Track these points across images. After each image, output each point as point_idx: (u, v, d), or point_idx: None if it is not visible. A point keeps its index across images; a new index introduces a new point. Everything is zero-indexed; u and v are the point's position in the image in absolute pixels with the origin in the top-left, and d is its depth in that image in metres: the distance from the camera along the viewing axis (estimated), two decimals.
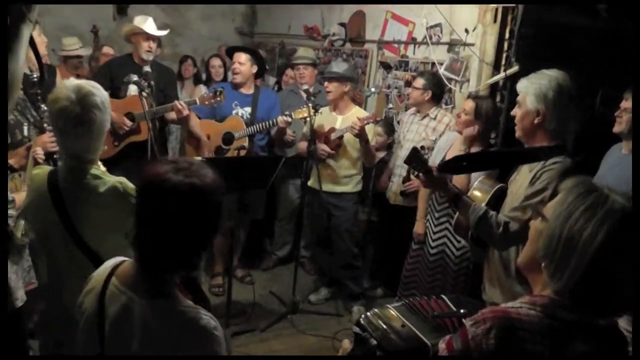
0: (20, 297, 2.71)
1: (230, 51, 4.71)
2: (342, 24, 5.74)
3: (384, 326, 1.73)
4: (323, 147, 4.19)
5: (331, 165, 4.26)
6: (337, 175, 4.26)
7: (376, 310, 1.82)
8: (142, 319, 1.37)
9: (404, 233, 3.90)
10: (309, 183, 4.37)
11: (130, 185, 1.88)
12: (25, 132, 3.18)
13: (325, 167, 4.23)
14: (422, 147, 2.47)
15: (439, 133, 3.97)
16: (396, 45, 5.11)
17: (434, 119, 4.08)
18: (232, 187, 3.84)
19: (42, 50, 3.81)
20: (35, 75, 3.58)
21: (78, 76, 4.90)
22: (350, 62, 5.27)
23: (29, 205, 2.06)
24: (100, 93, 1.90)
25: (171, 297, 1.40)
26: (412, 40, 4.91)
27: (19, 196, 2.61)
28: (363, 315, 1.79)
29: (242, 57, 4.52)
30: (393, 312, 1.81)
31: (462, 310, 1.78)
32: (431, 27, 4.66)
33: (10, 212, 2.46)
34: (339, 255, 4.36)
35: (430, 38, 4.65)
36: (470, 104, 3.39)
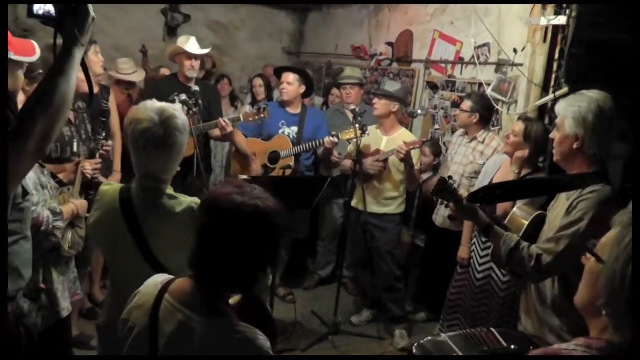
0: (66, 307, 2.80)
1: (279, 71, 4.76)
2: (389, 43, 5.73)
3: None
4: (370, 161, 4.14)
5: (374, 186, 4.22)
6: (380, 196, 4.22)
7: (429, 338, 1.78)
8: (200, 337, 1.38)
9: (450, 257, 3.80)
10: (352, 203, 4.33)
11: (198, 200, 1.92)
12: (75, 149, 3.28)
13: (369, 187, 4.19)
14: (450, 177, 2.41)
15: (487, 157, 3.87)
16: (443, 65, 5.07)
17: (482, 142, 3.99)
18: None
19: (98, 70, 3.95)
20: (104, 103, 3.73)
21: (129, 96, 5.04)
22: (402, 84, 5.24)
23: (98, 220, 2.07)
24: (181, 116, 1.94)
25: (227, 316, 1.42)
26: (460, 60, 4.86)
27: (66, 209, 2.70)
28: (416, 344, 1.75)
29: (290, 77, 4.56)
30: (446, 341, 1.77)
31: (512, 347, 1.72)
32: (479, 46, 4.60)
33: (58, 224, 2.54)
34: (381, 277, 4.29)
35: (478, 58, 4.57)
36: (519, 126, 3.31)
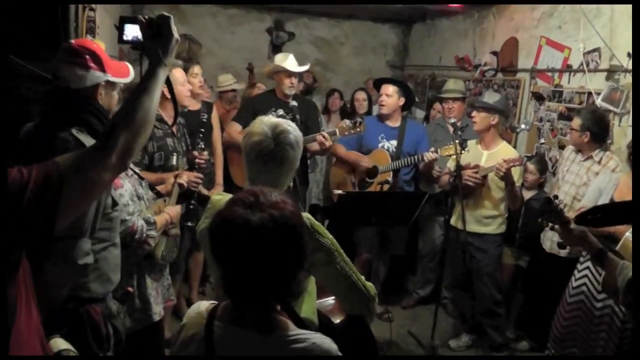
0: (158, 312, 2.91)
1: (378, 83, 4.69)
2: (493, 53, 5.47)
3: None
4: (469, 173, 3.94)
5: (474, 204, 4.01)
6: (479, 215, 4.00)
7: None
8: (260, 355, 1.35)
9: (556, 281, 3.49)
10: (451, 221, 4.14)
11: (317, 222, 1.91)
12: (174, 161, 3.42)
13: (468, 205, 3.98)
14: (556, 197, 2.19)
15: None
16: (550, 74, 4.69)
17: (599, 162, 3.61)
18: (374, 222, 3.81)
19: (196, 89, 4.11)
20: (204, 116, 3.89)
21: (229, 111, 5.21)
22: (502, 94, 4.97)
23: (207, 229, 2.12)
24: (295, 132, 1.96)
25: (283, 328, 1.38)
26: (568, 68, 4.47)
27: (160, 218, 2.80)
28: None
29: (390, 89, 4.48)
30: None
31: None
32: (588, 52, 4.18)
33: (151, 233, 2.63)
34: (480, 300, 4.05)
35: (587, 64, 4.17)
36: None
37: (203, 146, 3.68)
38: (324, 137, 4.04)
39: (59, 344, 1.85)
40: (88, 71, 2.09)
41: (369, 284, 1.97)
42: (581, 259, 3.28)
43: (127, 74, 2.25)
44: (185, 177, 3.23)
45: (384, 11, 6.86)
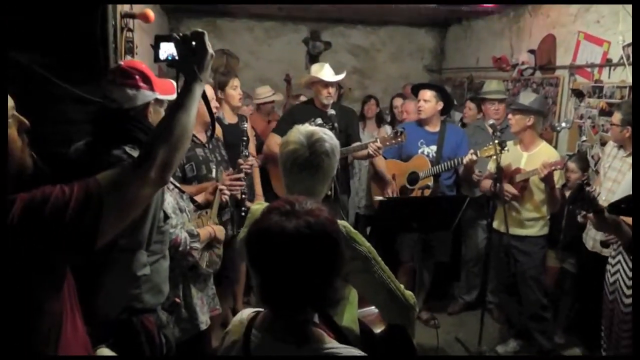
0: (204, 321, 2.99)
1: (416, 89, 4.68)
2: (531, 51, 5.36)
3: None
4: (507, 188, 3.90)
5: (515, 207, 3.94)
6: (521, 217, 3.94)
7: None
8: None
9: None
10: (494, 225, 4.09)
11: (353, 230, 1.89)
12: (213, 173, 3.49)
13: (510, 208, 3.92)
14: (588, 184, 2.13)
15: None
16: (589, 70, 4.55)
17: None
18: (415, 227, 3.79)
19: (235, 102, 4.18)
20: (244, 125, 3.97)
21: (269, 122, 5.27)
22: (540, 93, 4.87)
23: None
24: (331, 141, 1.95)
25: (316, 340, 1.36)
26: (607, 62, 4.32)
27: (203, 231, 2.88)
28: None
29: (427, 94, 4.47)
30: None
31: None
32: (628, 44, 4.02)
33: (195, 245, 2.70)
34: (526, 305, 3.97)
35: (628, 58, 4.02)
36: None
37: (247, 153, 3.76)
38: (377, 145, 4.02)
39: (105, 353, 1.91)
40: (139, 91, 2.19)
41: (409, 293, 1.94)
42: (612, 253, 3.17)
43: (172, 90, 2.30)
44: (227, 190, 3.30)
45: (420, 15, 6.82)
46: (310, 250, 1.29)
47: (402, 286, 1.93)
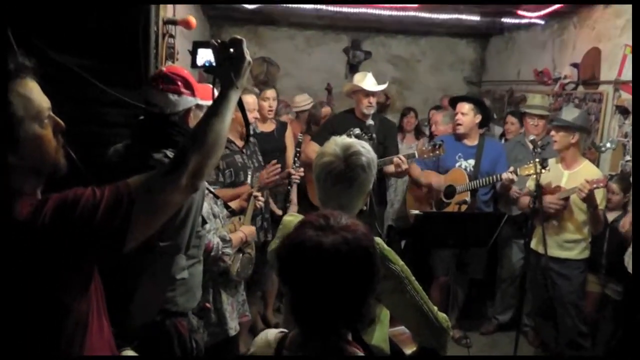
0: (234, 327, 3.01)
1: (454, 101, 4.62)
2: (574, 65, 5.20)
3: None
4: (550, 199, 3.78)
5: (555, 227, 3.82)
6: (561, 238, 3.81)
7: None
8: None
9: None
10: (532, 244, 3.96)
11: (387, 248, 1.85)
12: (249, 179, 3.50)
13: (549, 228, 3.80)
14: None
15: None
16: None
17: None
18: (451, 243, 3.73)
19: (266, 113, 4.18)
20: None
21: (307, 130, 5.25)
22: (583, 108, 4.71)
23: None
24: (368, 155, 1.90)
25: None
26: None
27: (235, 236, 2.90)
28: None
29: (465, 107, 4.40)
30: None
31: None
32: None
33: (227, 250, 2.72)
34: (563, 331, 3.83)
35: None
36: None
37: (298, 164, 3.79)
38: (400, 159, 3.98)
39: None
40: (180, 96, 2.21)
41: (442, 315, 1.88)
42: None
43: (211, 96, 2.34)
44: (261, 197, 3.32)
45: (461, 26, 6.74)
46: (347, 266, 1.25)
47: (435, 308, 1.87)
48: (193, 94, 2.25)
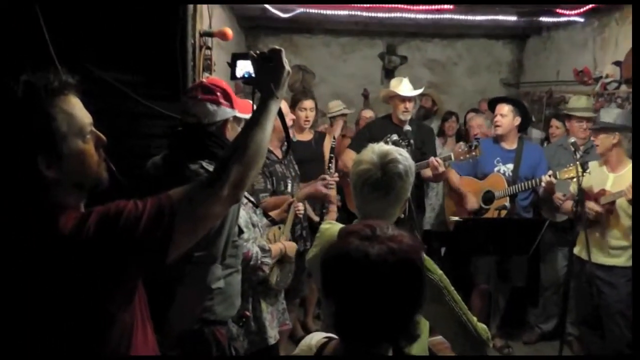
0: (273, 336, 3.02)
1: (492, 103, 4.53)
2: (616, 63, 5.04)
3: None
4: (590, 206, 3.67)
5: (600, 233, 3.70)
6: (606, 245, 3.68)
7: None
8: None
9: None
10: (576, 251, 3.85)
11: (426, 257, 1.80)
12: (289, 188, 3.51)
13: (593, 234, 3.69)
14: None
15: None
16: None
17: None
18: (491, 250, 3.66)
19: (302, 123, 4.19)
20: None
21: (344, 136, 5.26)
22: (626, 108, 4.54)
23: (315, 256, 2.09)
24: (406, 162, 1.89)
25: None
26: None
27: (275, 247, 2.91)
28: None
29: (505, 109, 4.30)
30: None
31: None
32: None
33: (266, 260, 2.73)
34: (610, 341, 3.70)
35: None
36: None
37: (333, 169, 3.80)
38: (437, 162, 3.93)
39: None
40: (219, 107, 2.23)
41: (482, 326, 1.83)
42: None
43: (250, 110, 2.36)
44: (301, 205, 3.32)
45: (498, 27, 6.65)
46: (393, 278, 1.22)
47: (475, 319, 1.83)
48: (231, 106, 2.26)
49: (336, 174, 3.75)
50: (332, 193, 4.21)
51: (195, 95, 2.23)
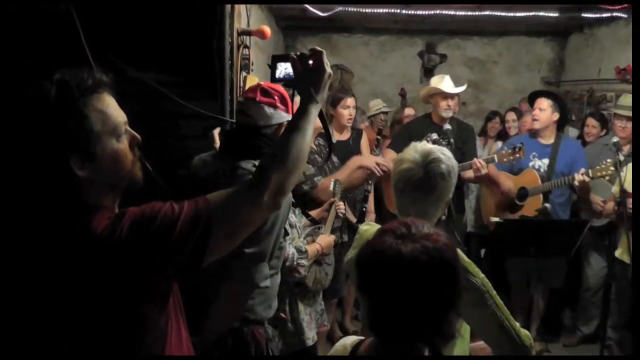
0: (312, 337, 3.00)
1: (533, 96, 4.46)
2: None
3: None
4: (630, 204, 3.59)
5: None
6: None
7: None
8: None
9: None
10: (617, 253, 3.79)
11: (467, 259, 1.77)
12: (331, 187, 3.53)
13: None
14: None
15: None
16: None
17: None
18: (532, 251, 3.62)
19: (345, 121, 4.19)
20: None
21: (383, 137, 5.26)
22: None
23: (353, 259, 2.14)
24: (448, 162, 1.85)
25: None
26: None
27: (311, 248, 2.88)
28: None
29: (544, 103, 4.24)
30: None
31: None
32: None
33: (302, 262, 2.72)
34: None
35: None
36: None
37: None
38: (480, 163, 3.88)
39: None
40: (276, 110, 2.28)
41: (524, 332, 1.80)
42: None
43: (290, 110, 2.40)
44: (342, 205, 3.32)
45: (539, 24, 6.51)
46: (426, 277, 1.21)
47: (517, 324, 1.80)
48: (287, 110, 2.29)
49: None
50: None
51: (253, 97, 2.28)
